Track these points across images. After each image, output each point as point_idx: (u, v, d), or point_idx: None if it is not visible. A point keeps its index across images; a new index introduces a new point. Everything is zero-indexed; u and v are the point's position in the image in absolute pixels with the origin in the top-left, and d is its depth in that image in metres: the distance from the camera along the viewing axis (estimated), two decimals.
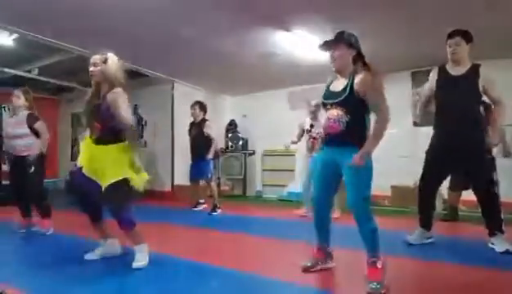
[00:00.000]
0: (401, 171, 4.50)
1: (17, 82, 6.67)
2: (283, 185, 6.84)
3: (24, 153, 3.38)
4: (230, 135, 7.51)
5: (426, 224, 2.89)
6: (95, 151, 2.31)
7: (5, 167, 6.61)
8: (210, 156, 4.80)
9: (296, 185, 6.28)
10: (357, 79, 1.99)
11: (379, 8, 3.58)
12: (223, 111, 7.77)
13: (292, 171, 6.78)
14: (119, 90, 2.27)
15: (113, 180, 2.19)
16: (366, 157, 1.92)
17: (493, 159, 2.77)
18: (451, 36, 2.73)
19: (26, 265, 2.48)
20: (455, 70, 2.73)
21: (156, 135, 7.02)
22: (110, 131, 2.27)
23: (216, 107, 7.31)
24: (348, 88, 2.00)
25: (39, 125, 3.44)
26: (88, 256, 2.47)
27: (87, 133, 2.40)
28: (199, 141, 4.85)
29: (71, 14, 3.72)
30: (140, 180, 2.30)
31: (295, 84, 6.55)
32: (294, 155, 6.74)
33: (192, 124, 5.05)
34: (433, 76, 2.85)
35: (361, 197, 1.96)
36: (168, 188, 6.69)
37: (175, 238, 3.42)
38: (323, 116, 2.20)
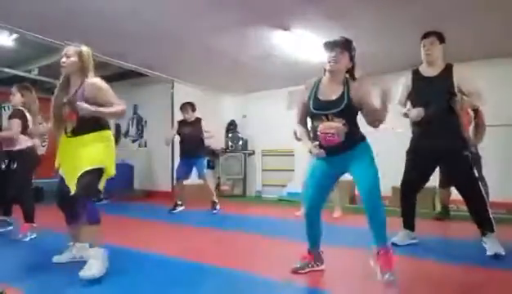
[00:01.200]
0: (402, 171, 4.52)
1: (17, 82, 6.67)
2: (283, 185, 6.85)
3: (5, 148, 3.33)
4: (230, 135, 7.52)
5: (409, 225, 2.89)
6: (71, 144, 2.21)
7: None
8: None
9: (296, 185, 6.29)
10: (353, 88, 2.01)
11: (378, 8, 3.59)
12: (223, 111, 7.77)
13: (292, 171, 6.78)
14: (96, 79, 2.19)
15: (87, 168, 2.10)
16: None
17: (476, 156, 2.72)
18: (425, 36, 2.74)
19: (26, 265, 2.48)
20: (428, 71, 2.73)
21: (156, 135, 7.02)
22: (86, 120, 2.16)
23: (216, 107, 7.31)
24: (345, 96, 1.99)
25: (12, 121, 3.29)
26: (56, 259, 2.40)
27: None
28: (194, 140, 4.84)
29: (71, 14, 3.72)
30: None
31: (295, 84, 6.55)
32: (293, 155, 6.75)
33: (183, 122, 4.95)
34: (407, 79, 2.85)
35: (375, 184, 1.96)
36: (167, 188, 6.69)
37: (174, 238, 3.42)
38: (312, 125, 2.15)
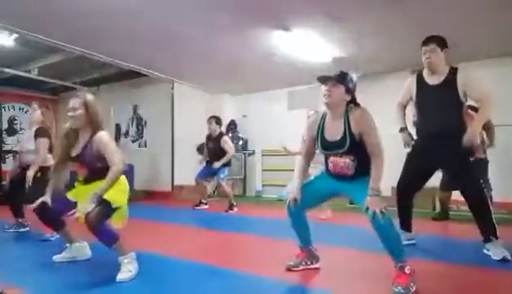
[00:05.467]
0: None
1: (17, 82, 6.68)
2: (283, 185, 6.84)
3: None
4: (230, 135, 7.51)
5: (406, 226, 2.85)
6: (84, 189, 2.26)
7: (5, 167, 6.63)
8: (217, 165, 4.96)
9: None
10: (353, 121, 1.96)
11: (379, 8, 3.59)
12: (223, 111, 7.76)
13: (292, 171, 6.77)
14: (103, 133, 2.21)
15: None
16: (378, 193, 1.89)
17: (484, 161, 2.61)
18: (425, 43, 2.59)
19: (26, 265, 2.47)
20: (431, 79, 2.60)
21: (156, 136, 7.02)
22: (97, 171, 2.21)
23: (216, 107, 7.31)
24: (347, 136, 1.95)
25: (38, 142, 3.29)
26: (56, 258, 2.44)
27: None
28: (216, 155, 5.01)
29: (71, 14, 3.73)
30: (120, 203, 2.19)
31: (295, 84, 6.56)
32: (293, 155, 6.75)
33: (209, 138, 5.22)
34: (412, 83, 2.74)
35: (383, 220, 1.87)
36: (168, 188, 6.69)
37: (174, 238, 3.42)
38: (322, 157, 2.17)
